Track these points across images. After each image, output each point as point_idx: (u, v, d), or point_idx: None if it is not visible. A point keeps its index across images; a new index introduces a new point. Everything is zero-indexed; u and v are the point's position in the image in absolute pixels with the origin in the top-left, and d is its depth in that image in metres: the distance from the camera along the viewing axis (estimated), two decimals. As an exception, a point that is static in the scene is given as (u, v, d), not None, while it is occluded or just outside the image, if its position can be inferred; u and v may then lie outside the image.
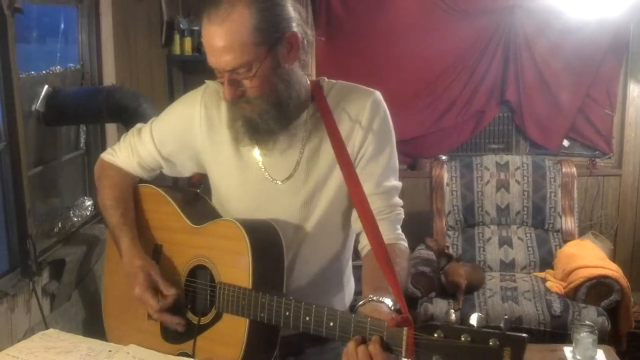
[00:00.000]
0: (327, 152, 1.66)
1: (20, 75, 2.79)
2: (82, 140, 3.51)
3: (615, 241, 4.79)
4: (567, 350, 3.07)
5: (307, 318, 1.46)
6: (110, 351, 1.63)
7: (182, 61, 4.63)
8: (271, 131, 1.60)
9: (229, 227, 1.62)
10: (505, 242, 4.32)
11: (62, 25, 3.36)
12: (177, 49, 4.50)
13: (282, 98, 1.58)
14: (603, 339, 3.39)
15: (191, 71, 4.77)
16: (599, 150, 4.81)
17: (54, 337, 1.72)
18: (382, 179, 1.68)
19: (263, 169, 1.69)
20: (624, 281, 3.74)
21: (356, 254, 1.80)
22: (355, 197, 1.61)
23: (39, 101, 3.05)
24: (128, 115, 3.14)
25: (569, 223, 4.32)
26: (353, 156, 1.66)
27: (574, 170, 4.39)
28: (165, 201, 1.81)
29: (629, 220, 4.77)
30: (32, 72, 3.03)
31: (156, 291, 1.68)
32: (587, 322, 3.30)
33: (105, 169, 1.88)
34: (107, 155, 1.90)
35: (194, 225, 1.72)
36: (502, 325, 1.23)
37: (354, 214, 1.70)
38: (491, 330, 1.22)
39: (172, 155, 1.80)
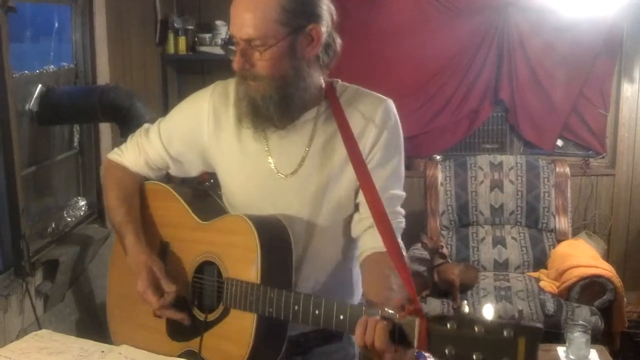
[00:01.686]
0: (338, 149, 1.65)
1: (14, 75, 2.78)
2: (76, 139, 3.50)
3: (609, 241, 4.80)
4: (561, 350, 3.08)
5: (317, 312, 1.45)
6: (102, 352, 1.63)
7: (176, 60, 4.64)
8: (270, 117, 1.61)
9: (238, 222, 1.61)
10: (499, 242, 4.33)
11: (56, 24, 3.35)
12: (171, 48, 4.50)
13: (288, 86, 1.58)
14: (596, 339, 3.41)
15: (185, 70, 4.77)
16: (592, 150, 4.81)
17: (46, 337, 1.72)
18: (388, 185, 1.66)
19: (269, 162, 1.68)
20: (617, 280, 3.75)
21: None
22: (367, 194, 1.59)
23: (33, 100, 3.04)
24: (122, 115, 3.13)
25: (563, 223, 4.33)
26: (364, 155, 1.64)
27: (567, 170, 4.40)
28: (172, 197, 1.81)
29: (623, 220, 4.79)
30: (26, 72, 3.02)
31: (158, 288, 1.69)
32: (580, 321, 3.32)
33: (112, 168, 1.89)
34: (113, 155, 1.90)
35: (201, 222, 1.72)
36: (516, 316, 1.20)
37: (357, 216, 1.68)
38: (505, 321, 1.21)
39: (180, 154, 1.81)
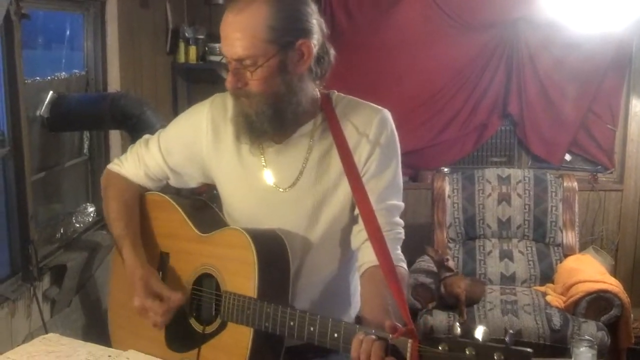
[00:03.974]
0: (334, 162, 1.67)
1: (26, 81, 2.81)
2: (86, 146, 3.53)
3: (616, 256, 4.78)
4: (567, 364, 3.06)
5: (312, 329, 1.46)
6: (110, 356, 1.64)
7: (186, 69, 4.66)
8: (264, 132, 1.62)
9: (236, 235, 1.62)
10: (506, 255, 4.31)
11: (68, 32, 3.38)
12: (181, 57, 4.53)
13: (281, 101, 1.59)
14: (602, 354, 3.39)
15: (195, 80, 4.79)
16: (600, 165, 4.81)
17: (54, 341, 1.73)
18: (385, 196, 1.67)
19: (266, 177, 1.70)
20: (624, 296, 3.73)
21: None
22: (362, 208, 1.61)
23: (44, 107, 3.07)
24: (132, 122, 3.15)
25: (570, 237, 4.31)
26: (359, 168, 1.65)
27: (575, 184, 4.39)
28: (172, 209, 1.82)
29: (630, 236, 4.77)
30: (38, 78, 3.04)
31: (157, 297, 1.68)
32: (586, 336, 3.29)
33: (111, 179, 1.90)
34: (113, 166, 1.92)
35: (201, 234, 1.73)
36: (506, 339, 1.21)
37: (356, 228, 1.69)
38: (496, 345, 1.21)
39: (178, 165, 1.82)
